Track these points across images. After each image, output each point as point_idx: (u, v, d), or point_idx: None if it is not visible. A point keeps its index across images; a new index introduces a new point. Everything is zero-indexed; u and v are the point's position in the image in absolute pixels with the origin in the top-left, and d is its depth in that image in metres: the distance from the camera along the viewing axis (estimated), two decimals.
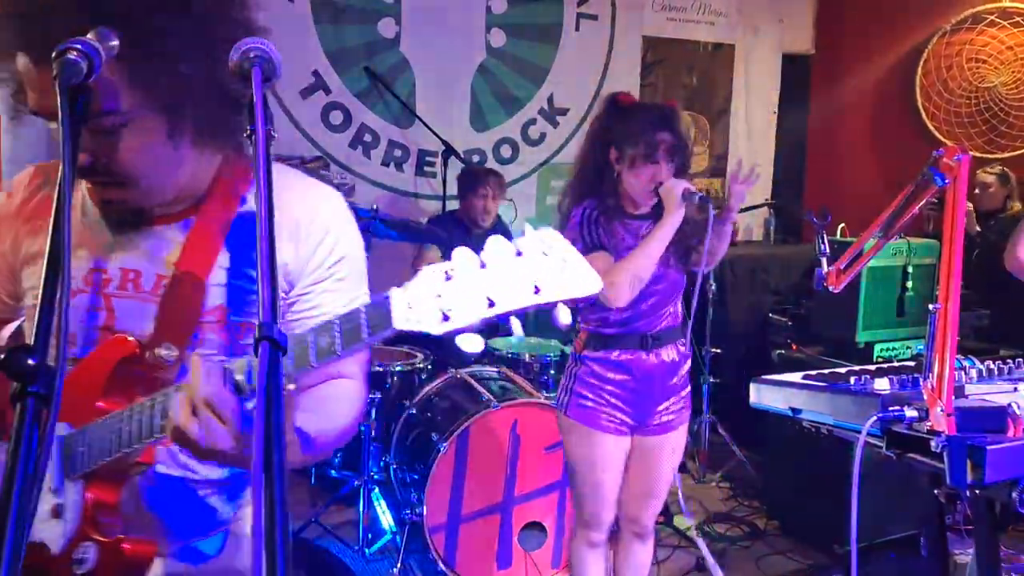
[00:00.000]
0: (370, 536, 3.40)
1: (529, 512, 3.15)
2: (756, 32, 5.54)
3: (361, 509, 3.39)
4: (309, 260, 1.23)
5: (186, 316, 1.18)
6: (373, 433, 3.44)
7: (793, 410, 1.83)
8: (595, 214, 2.36)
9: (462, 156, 4.59)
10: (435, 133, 4.51)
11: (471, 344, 0.91)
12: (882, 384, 1.78)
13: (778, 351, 3.78)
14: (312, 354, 0.96)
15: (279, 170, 1.16)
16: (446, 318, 0.90)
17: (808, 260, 4.40)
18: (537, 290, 0.88)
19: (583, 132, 5.04)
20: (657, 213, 2.32)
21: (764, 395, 1.91)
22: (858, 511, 1.71)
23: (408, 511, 3.11)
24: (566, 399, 2.48)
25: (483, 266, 0.89)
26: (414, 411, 3.38)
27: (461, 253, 0.89)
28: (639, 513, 2.57)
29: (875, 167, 5.48)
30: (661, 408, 2.44)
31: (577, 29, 5.03)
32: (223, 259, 1.21)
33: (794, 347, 3.80)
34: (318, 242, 1.23)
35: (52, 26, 0.99)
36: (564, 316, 0.91)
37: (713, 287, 4.29)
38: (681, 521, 3.75)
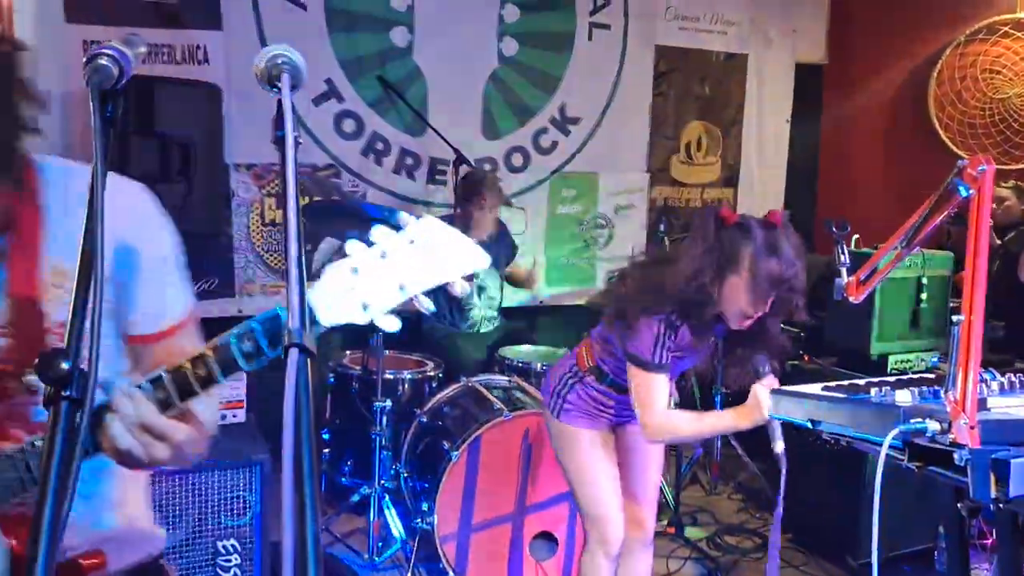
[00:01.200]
0: (380, 544, 3.38)
1: (540, 522, 3.13)
2: (769, 42, 5.53)
3: (371, 517, 3.38)
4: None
5: (36, 337, 1.15)
6: (383, 441, 3.43)
7: (812, 422, 1.81)
8: (675, 328, 2.22)
9: (473, 164, 4.59)
10: (446, 141, 4.52)
11: (391, 325, 1.02)
12: (903, 396, 1.76)
13: (790, 362, 3.76)
14: (240, 359, 1.02)
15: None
16: (365, 307, 1.01)
17: (820, 270, 4.38)
18: (439, 271, 1.00)
19: (594, 141, 5.12)
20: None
21: (782, 406, 1.90)
22: (883, 525, 1.68)
23: (419, 520, 3.10)
24: (557, 404, 2.52)
25: (383, 256, 1.00)
26: (425, 419, 3.37)
27: (356, 246, 1.00)
28: (642, 512, 2.63)
29: (888, 178, 5.46)
30: None
31: (590, 38, 5.03)
32: (48, 274, 1.17)
33: (806, 358, 3.77)
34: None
35: None
36: (460, 287, 0.99)
37: None
38: (693, 532, 3.73)
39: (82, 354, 0.73)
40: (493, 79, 4.87)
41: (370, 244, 1.00)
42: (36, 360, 0.70)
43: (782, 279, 2.13)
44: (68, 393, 0.69)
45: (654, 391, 2.23)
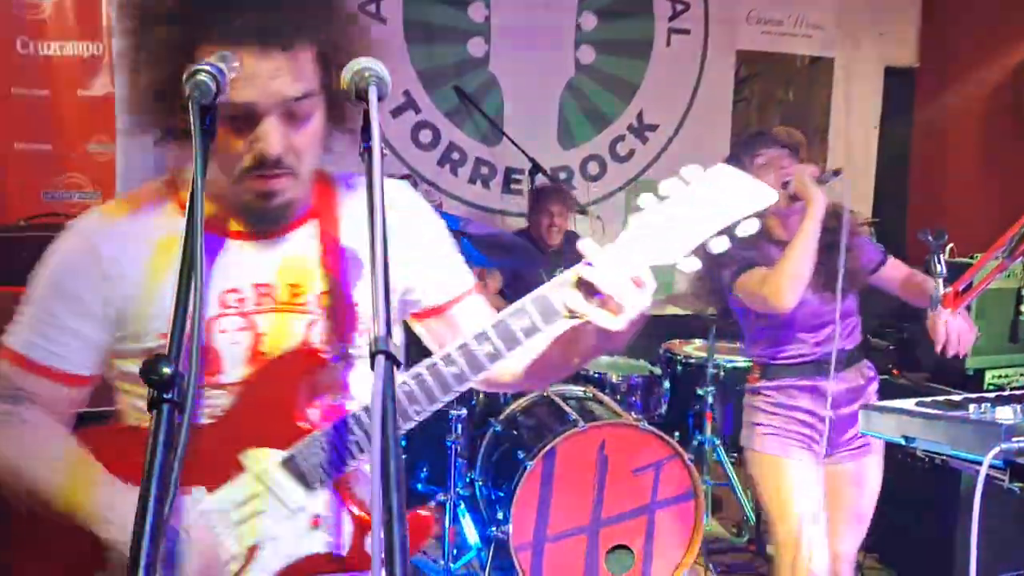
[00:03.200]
0: (455, 551, 3.40)
1: (617, 535, 3.09)
2: (857, 45, 5.36)
3: (447, 524, 3.40)
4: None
5: (345, 317, 1.24)
6: (459, 449, 3.45)
7: (906, 438, 1.73)
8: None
9: (549, 173, 4.59)
10: (522, 150, 4.54)
11: (692, 265, 1.16)
12: (1005, 413, 1.67)
13: (880, 376, 3.61)
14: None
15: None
16: (669, 251, 1.15)
17: None
18: (731, 210, 1.12)
19: (673, 148, 5.04)
20: None
21: (874, 422, 1.82)
22: (979, 547, 1.60)
23: (494, 528, 3.10)
24: (748, 434, 2.40)
25: (678, 202, 1.12)
26: (500, 428, 3.38)
27: (650, 198, 1.15)
28: (840, 546, 2.43)
29: (984, 184, 5.20)
30: (851, 434, 2.35)
31: (668, 44, 4.98)
32: (350, 255, 1.27)
33: (896, 372, 3.63)
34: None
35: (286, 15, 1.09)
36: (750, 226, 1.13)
37: None
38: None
39: (183, 359, 0.75)
40: (569, 87, 4.87)
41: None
42: (145, 363, 0.73)
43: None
44: (169, 396, 0.71)
45: (757, 275, 2.23)
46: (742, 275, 2.29)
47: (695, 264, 1.15)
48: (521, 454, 3.06)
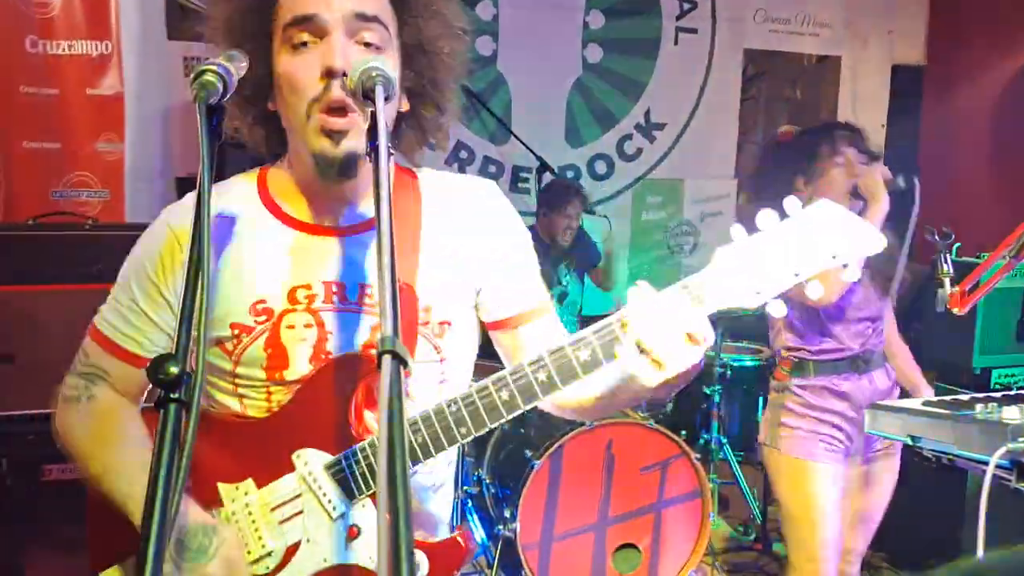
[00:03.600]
0: None
1: (624, 533, 3.10)
2: (864, 43, 5.34)
3: (454, 522, 3.40)
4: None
5: (407, 320, 1.22)
6: (466, 447, 3.45)
7: (912, 438, 1.73)
8: None
9: (556, 172, 4.59)
10: (530, 149, 4.54)
11: (779, 311, 1.02)
12: (1011, 413, 1.66)
13: None
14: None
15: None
16: (758, 292, 1.02)
17: (919, 280, 4.19)
18: (834, 256, 1.00)
19: (680, 146, 5.04)
20: None
21: (880, 422, 1.82)
22: (985, 546, 1.60)
23: (501, 526, 3.10)
24: (773, 434, 2.34)
25: (773, 240, 1.00)
26: (507, 426, 3.38)
27: (741, 231, 1.03)
28: (855, 542, 2.42)
29: (992, 183, 5.18)
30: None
31: (676, 43, 4.97)
32: (421, 259, 1.26)
33: None
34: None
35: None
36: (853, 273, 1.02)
37: None
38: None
39: (190, 359, 0.76)
40: (577, 86, 4.87)
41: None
42: (152, 362, 0.73)
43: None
44: (176, 396, 0.72)
45: None
46: None
47: (782, 309, 1.02)
48: (528, 453, 3.06)
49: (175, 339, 0.76)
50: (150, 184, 4.06)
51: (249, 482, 1.20)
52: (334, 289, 1.23)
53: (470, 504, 3.47)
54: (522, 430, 3.31)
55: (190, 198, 1.22)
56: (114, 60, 3.97)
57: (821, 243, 1.00)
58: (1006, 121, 5.16)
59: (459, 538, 1.25)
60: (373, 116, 0.97)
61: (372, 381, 1.20)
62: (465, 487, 3.44)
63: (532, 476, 2.96)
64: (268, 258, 1.23)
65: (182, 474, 0.67)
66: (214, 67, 0.94)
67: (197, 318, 0.76)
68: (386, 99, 1.00)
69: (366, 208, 1.27)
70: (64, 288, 2.88)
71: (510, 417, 1.14)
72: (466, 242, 1.29)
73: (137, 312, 1.25)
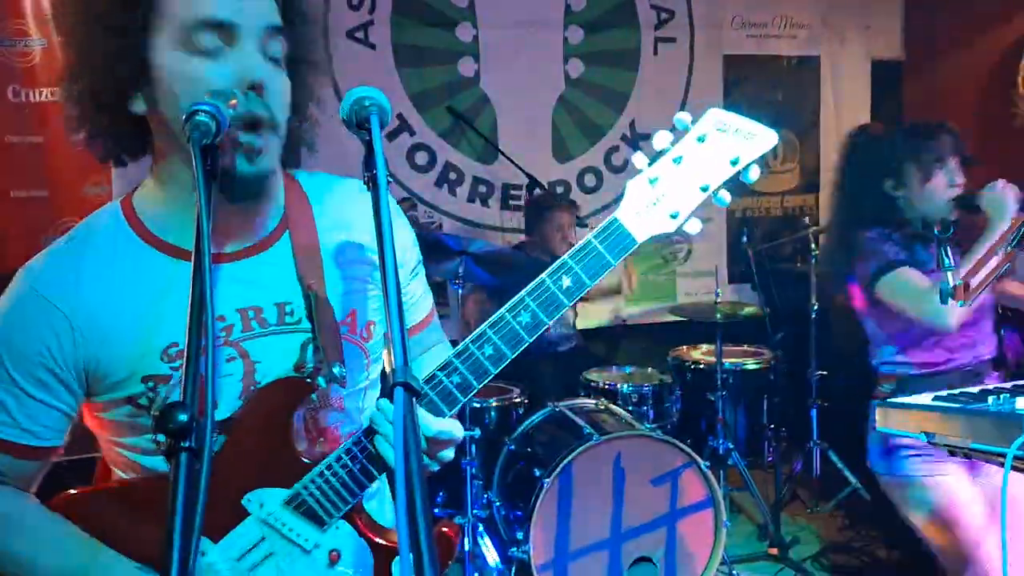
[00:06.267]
0: (476, 575, 3.37)
1: (638, 547, 3.06)
2: (842, 41, 5.37)
3: (467, 547, 3.37)
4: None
5: (334, 331, 1.19)
6: (473, 470, 3.42)
7: (926, 435, 1.71)
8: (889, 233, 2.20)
9: (546, 188, 4.59)
10: (518, 167, 4.54)
11: (695, 228, 1.11)
12: None
13: None
14: (563, 295, 1.12)
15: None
16: (674, 215, 1.09)
17: None
18: (734, 161, 1.08)
19: (667, 155, 5.01)
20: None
21: (892, 419, 1.80)
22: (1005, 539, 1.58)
23: (514, 549, 3.07)
24: (887, 461, 2.25)
25: (677, 160, 1.08)
26: (514, 447, 3.35)
27: (643, 159, 1.10)
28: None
29: (977, 174, 5.20)
30: None
31: (655, 53, 4.99)
32: (326, 268, 1.22)
33: None
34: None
35: None
36: (754, 173, 1.11)
37: (816, 305, 4.13)
38: (798, 551, 3.59)
39: (197, 405, 0.74)
40: (561, 101, 4.88)
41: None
42: (159, 413, 0.72)
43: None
44: (187, 444, 0.70)
45: (914, 283, 2.11)
46: (888, 274, 2.17)
47: (698, 226, 1.13)
48: (537, 471, 3.03)
49: (183, 383, 0.74)
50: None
51: (204, 541, 1.12)
52: (251, 315, 1.16)
53: (481, 528, 3.44)
54: (529, 449, 3.29)
55: (42, 256, 1.19)
56: None
57: (719, 152, 1.08)
58: (986, 108, 5.18)
59: (446, 530, 1.24)
60: (368, 145, 0.96)
61: (307, 404, 1.18)
62: (475, 511, 3.41)
63: (542, 496, 2.93)
64: (167, 297, 1.12)
65: (198, 522, 0.65)
66: (205, 107, 0.93)
67: (207, 360, 0.74)
68: (380, 127, 1.00)
69: (268, 221, 1.21)
70: None
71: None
72: (363, 240, 1.25)
73: (30, 403, 1.12)
